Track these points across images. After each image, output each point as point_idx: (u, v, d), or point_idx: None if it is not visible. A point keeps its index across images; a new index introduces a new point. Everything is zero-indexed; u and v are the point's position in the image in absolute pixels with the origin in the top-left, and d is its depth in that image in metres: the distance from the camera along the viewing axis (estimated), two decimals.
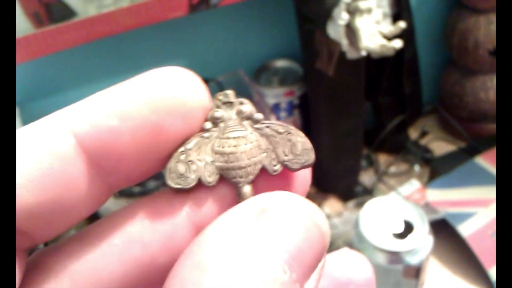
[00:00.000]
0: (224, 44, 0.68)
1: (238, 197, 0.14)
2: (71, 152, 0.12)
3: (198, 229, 0.14)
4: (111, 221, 0.14)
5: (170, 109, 0.13)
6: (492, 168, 0.68)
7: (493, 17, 0.67)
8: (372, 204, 0.53)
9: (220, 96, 0.15)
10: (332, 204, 0.70)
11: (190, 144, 0.14)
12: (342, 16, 0.47)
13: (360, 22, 0.46)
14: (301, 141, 0.14)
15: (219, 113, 0.14)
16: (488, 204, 0.63)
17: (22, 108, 0.58)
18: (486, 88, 0.71)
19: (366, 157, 0.75)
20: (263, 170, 0.14)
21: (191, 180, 0.14)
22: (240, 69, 0.65)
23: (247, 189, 0.14)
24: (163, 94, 0.13)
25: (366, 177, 0.73)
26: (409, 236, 0.51)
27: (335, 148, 0.66)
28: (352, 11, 0.47)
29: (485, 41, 0.68)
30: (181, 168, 0.14)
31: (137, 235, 0.13)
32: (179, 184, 0.14)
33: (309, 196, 0.55)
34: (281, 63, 0.70)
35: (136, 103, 0.13)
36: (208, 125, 0.14)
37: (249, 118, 0.15)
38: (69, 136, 0.12)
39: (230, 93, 0.15)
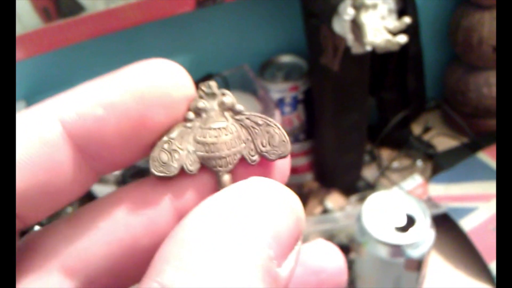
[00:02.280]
0: (230, 39, 0.69)
1: (218, 185, 0.15)
2: (58, 140, 0.13)
3: (180, 214, 0.15)
4: (98, 205, 0.15)
5: (154, 100, 0.14)
6: (494, 164, 0.68)
7: None
8: (374, 198, 0.54)
9: (204, 87, 0.15)
10: (335, 199, 0.71)
11: (173, 134, 0.15)
12: (348, 11, 0.47)
13: (365, 18, 0.47)
14: (279, 133, 0.15)
15: (201, 104, 0.15)
16: (489, 199, 0.63)
17: (30, 102, 0.59)
18: (490, 84, 0.71)
19: (369, 152, 0.75)
20: (243, 159, 0.15)
21: (174, 169, 0.15)
22: (245, 64, 0.65)
23: (226, 177, 0.15)
24: (148, 85, 0.13)
25: (369, 172, 0.74)
26: (411, 229, 0.51)
27: (339, 143, 0.67)
28: (358, 7, 0.47)
29: (489, 37, 0.68)
30: (164, 156, 0.14)
31: (122, 219, 0.14)
32: (162, 172, 0.14)
33: (312, 191, 0.56)
34: (286, 58, 0.70)
35: (121, 94, 0.13)
36: (191, 115, 0.15)
37: (231, 109, 0.15)
38: (57, 124, 0.13)
39: (213, 84, 0.15)
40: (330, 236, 0.64)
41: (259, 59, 0.70)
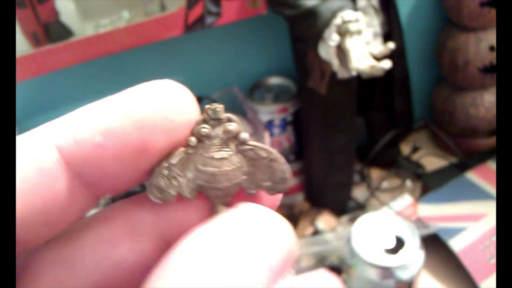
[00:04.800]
0: (219, 62, 0.70)
1: (213, 213, 0.15)
2: (55, 167, 0.13)
3: (168, 238, 0.15)
4: (88, 224, 0.15)
5: (155, 126, 0.13)
6: (482, 183, 0.69)
7: (482, 35, 0.68)
8: (363, 220, 0.54)
9: (209, 111, 0.15)
10: (326, 219, 0.71)
11: (174, 160, 0.14)
12: (332, 38, 0.48)
13: (350, 43, 0.48)
14: (280, 169, 0.15)
15: (205, 130, 0.14)
16: (478, 218, 0.64)
17: (20, 125, 0.59)
18: (476, 104, 0.72)
19: (359, 172, 0.76)
20: (241, 190, 0.15)
21: (171, 196, 0.14)
22: (235, 86, 0.66)
23: (222, 207, 0.15)
24: (148, 110, 0.13)
25: (359, 192, 0.74)
26: (401, 251, 0.51)
27: (328, 164, 0.67)
28: (343, 33, 0.48)
29: (475, 59, 0.69)
30: (163, 183, 0.14)
31: (109, 240, 0.14)
32: (159, 199, 0.14)
33: (303, 211, 0.55)
34: (274, 81, 0.71)
35: (120, 120, 0.13)
36: (193, 141, 0.14)
37: (235, 137, 0.15)
38: (53, 151, 0.13)
39: (219, 109, 0.15)
40: (321, 258, 0.64)
41: (249, 81, 0.70)
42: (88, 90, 0.64)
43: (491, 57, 0.69)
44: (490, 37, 0.68)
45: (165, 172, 0.14)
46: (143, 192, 0.15)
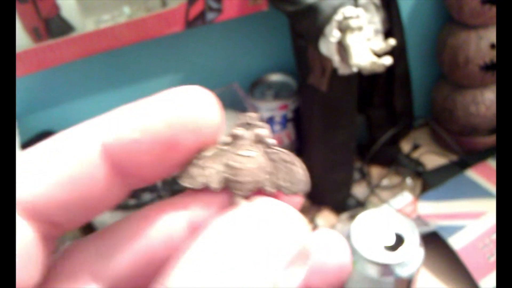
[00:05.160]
0: (220, 59, 0.70)
1: (233, 206, 0.16)
2: (97, 159, 0.15)
3: (194, 229, 0.16)
4: (125, 221, 0.16)
5: (185, 128, 0.15)
6: (482, 181, 0.69)
7: (483, 33, 0.68)
8: (363, 217, 0.54)
9: (246, 116, 0.17)
10: (325, 217, 0.71)
11: (208, 153, 0.16)
12: (333, 34, 0.48)
13: (351, 40, 0.48)
14: (301, 173, 0.16)
15: (239, 131, 0.17)
16: (478, 216, 0.64)
17: (20, 120, 0.59)
18: (476, 102, 0.72)
19: (359, 170, 0.76)
20: (261, 189, 0.16)
21: (199, 183, 0.16)
22: (235, 83, 0.66)
23: (241, 201, 0.16)
24: (179, 113, 0.15)
25: (359, 190, 0.74)
26: (400, 248, 0.51)
27: (328, 161, 0.67)
28: (343, 29, 0.48)
29: (476, 56, 0.69)
30: (194, 171, 0.16)
31: (144, 233, 0.16)
32: (189, 183, 0.16)
33: (302, 209, 0.55)
34: (275, 77, 0.71)
35: (157, 121, 0.15)
36: (228, 139, 0.17)
37: (263, 141, 0.17)
38: (97, 145, 0.15)
39: (254, 116, 0.17)
40: None
41: (249, 78, 0.70)
42: (88, 86, 0.64)
43: (492, 55, 0.69)
44: (491, 35, 0.68)
45: (199, 162, 0.16)
46: (175, 196, 0.17)
